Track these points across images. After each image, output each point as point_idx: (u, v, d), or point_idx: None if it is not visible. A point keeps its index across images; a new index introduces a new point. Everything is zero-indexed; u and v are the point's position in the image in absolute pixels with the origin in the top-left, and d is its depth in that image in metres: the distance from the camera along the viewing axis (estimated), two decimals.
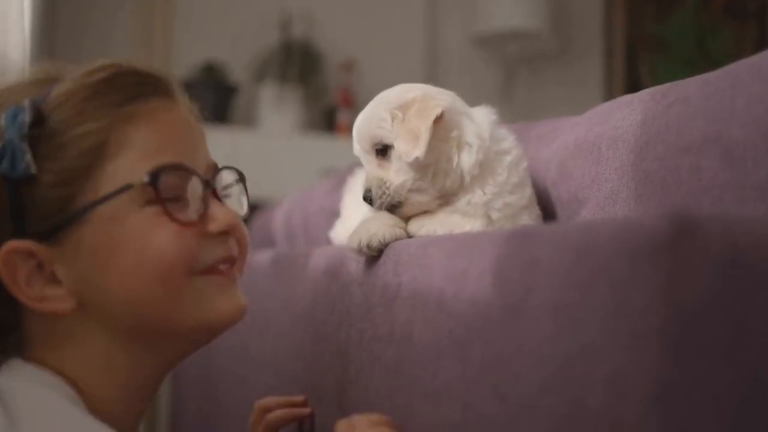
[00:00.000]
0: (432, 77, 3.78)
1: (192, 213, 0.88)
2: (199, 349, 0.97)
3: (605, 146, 0.97)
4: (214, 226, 0.89)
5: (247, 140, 3.28)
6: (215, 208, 0.90)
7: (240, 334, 1.51)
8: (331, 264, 1.13)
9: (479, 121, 1.07)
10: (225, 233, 0.90)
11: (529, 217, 1.06)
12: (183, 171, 0.88)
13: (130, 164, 0.84)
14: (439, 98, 1.05)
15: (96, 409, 0.84)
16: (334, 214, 1.45)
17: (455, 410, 0.75)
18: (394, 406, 0.89)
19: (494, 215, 1.04)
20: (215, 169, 0.94)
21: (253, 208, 2.85)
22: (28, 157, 0.80)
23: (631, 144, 0.92)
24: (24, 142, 0.80)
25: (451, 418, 0.75)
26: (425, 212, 1.05)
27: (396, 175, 1.03)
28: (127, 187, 0.84)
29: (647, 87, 0.97)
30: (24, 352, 0.86)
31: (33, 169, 0.81)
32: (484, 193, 1.04)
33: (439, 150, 1.02)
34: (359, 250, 1.00)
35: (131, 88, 0.88)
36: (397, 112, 1.04)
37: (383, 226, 1.01)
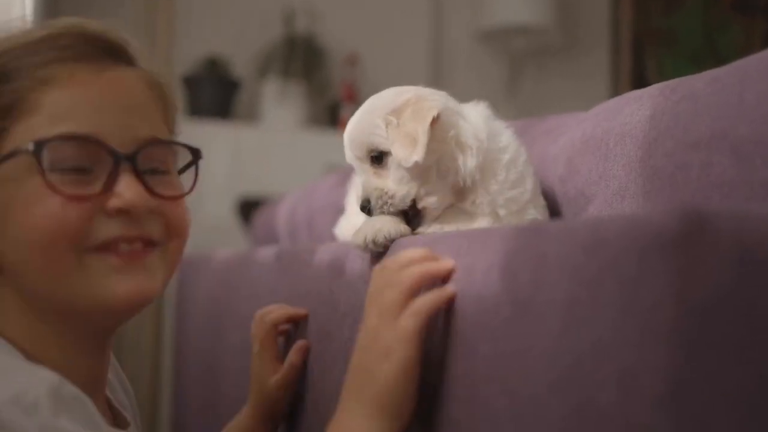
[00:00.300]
0: (436, 72, 3.78)
1: (94, 186, 0.84)
2: (117, 325, 0.94)
3: (613, 142, 0.97)
4: (112, 203, 0.84)
5: (250, 136, 3.29)
6: (124, 185, 0.85)
7: (242, 331, 1.51)
8: (336, 261, 1.13)
9: (474, 120, 1.06)
10: (124, 212, 0.85)
11: (536, 210, 1.06)
12: (83, 141, 0.84)
13: (33, 127, 0.83)
14: (433, 99, 1.04)
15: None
16: (338, 210, 1.45)
17: (462, 407, 0.75)
18: None
19: (501, 212, 1.04)
20: (145, 145, 0.88)
21: (257, 203, 2.86)
22: None
23: (639, 140, 0.92)
24: None
25: (458, 414, 0.76)
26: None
27: (398, 184, 1.02)
28: (14, 153, 0.83)
29: (654, 82, 0.97)
30: None
31: None
32: (488, 192, 1.04)
33: (439, 151, 1.01)
34: (364, 247, 1.00)
35: (60, 51, 0.86)
36: (391, 118, 1.02)
37: (388, 222, 1.01)
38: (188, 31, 3.43)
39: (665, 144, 0.88)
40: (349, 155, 1.07)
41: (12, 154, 0.83)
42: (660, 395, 0.54)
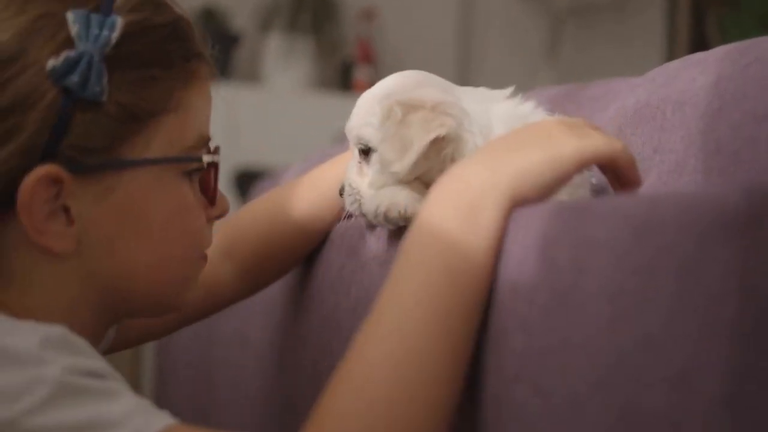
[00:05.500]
0: (467, 32, 3.77)
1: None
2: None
3: (670, 111, 0.97)
4: (215, 212, 0.94)
5: (250, 98, 3.30)
6: (220, 194, 0.95)
7: (238, 319, 1.52)
8: (348, 239, 1.13)
9: (485, 132, 1.01)
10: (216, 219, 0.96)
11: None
12: (215, 150, 0.92)
13: (183, 127, 0.87)
14: (449, 114, 0.97)
15: None
16: None
17: (490, 408, 0.75)
18: None
19: None
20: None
21: (256, 175, 2.88)
22: (105, 81, 0.80)
23: (700, 110, 0.92)
24: (103, 62, 0.80)
25: (485, 416, 0.76)
26: None
27: (373, 189, 0.99)
28: (187, 159, 0.87)
29: (714, 45, 0.97)
30: None
31: (105, 96, 0.80)
32: None
33: (428, 165, 0.97)
34: (373, 218, 0.96)
35: (191, 44, 0.90)
36: (396, 109, 0.96)
37: (410, 196, 0.98)
38: None
39: (731, 115, 0.88)
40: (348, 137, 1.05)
41: (181, 159, 0.87)
42: (717, 397, 0.54)
